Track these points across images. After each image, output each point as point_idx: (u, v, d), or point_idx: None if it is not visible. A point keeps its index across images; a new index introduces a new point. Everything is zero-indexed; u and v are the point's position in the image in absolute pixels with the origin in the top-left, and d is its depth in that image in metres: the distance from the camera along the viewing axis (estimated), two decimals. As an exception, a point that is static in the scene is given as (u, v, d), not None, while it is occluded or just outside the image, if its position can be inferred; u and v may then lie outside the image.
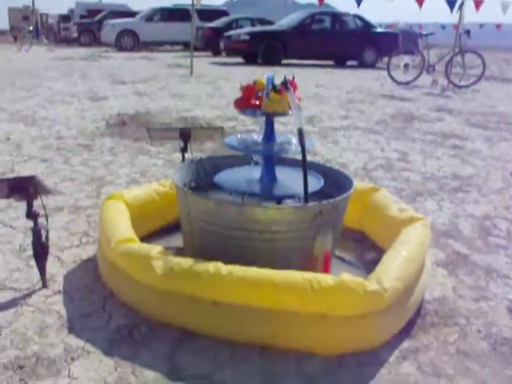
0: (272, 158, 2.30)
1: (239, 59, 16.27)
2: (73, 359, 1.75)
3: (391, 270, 1.93)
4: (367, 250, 2.63)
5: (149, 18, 21.74)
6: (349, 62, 16.91)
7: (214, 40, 18.40)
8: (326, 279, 1.82)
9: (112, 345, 1.84)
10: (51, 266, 2.31)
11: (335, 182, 2.40)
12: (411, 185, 3.83)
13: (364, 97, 8.94)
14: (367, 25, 16.42)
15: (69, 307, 2.06)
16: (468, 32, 11.09)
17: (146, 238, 2.46)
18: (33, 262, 2.19)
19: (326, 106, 7.70)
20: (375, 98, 8.81)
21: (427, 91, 10.24)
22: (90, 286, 2.23)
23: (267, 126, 2.24)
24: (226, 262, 1.90)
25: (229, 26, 19.31)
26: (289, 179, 2.33)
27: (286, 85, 2.11)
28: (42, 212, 2.10)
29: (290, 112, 2.13)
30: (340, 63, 16.88)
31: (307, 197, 2.07)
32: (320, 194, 2.24)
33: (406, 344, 1.93)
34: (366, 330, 1.86)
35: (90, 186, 3.52)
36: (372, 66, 16.04)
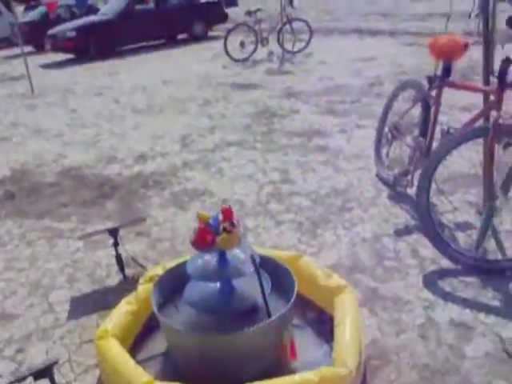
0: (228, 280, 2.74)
1: (69, 55, 15.68)
2: None
3: (348, 348, 2.39)
4: (308, 310, 2.97)
5: None
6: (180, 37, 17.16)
7: (34, 35, 17.41)
8: (310, 377, 2.23)
9: None
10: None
11: (275, 272, 2.78)
12: (305, 213, 4.25)
13: (214, 91, 9.29)
14: (191, -3, 16.71)
15: None
16: (291, 1, 11.97)
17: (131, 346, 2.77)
18: None
19: (184, 117, 7.77)
20: (227, 91, 9.20)
21: (268, 67, 11.04)
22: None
23: (221, 256, 2.67)
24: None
25: (45, 18, 18.23)
26: (246, 285, 2.69)
27: (232, 222, 2.58)
28: None
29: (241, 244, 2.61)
30: (171, 40, 17.08)
31: (269, 312, 2.52)
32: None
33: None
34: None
35: (34, 297, 3.43)
36: (203, 37, 16.53)
